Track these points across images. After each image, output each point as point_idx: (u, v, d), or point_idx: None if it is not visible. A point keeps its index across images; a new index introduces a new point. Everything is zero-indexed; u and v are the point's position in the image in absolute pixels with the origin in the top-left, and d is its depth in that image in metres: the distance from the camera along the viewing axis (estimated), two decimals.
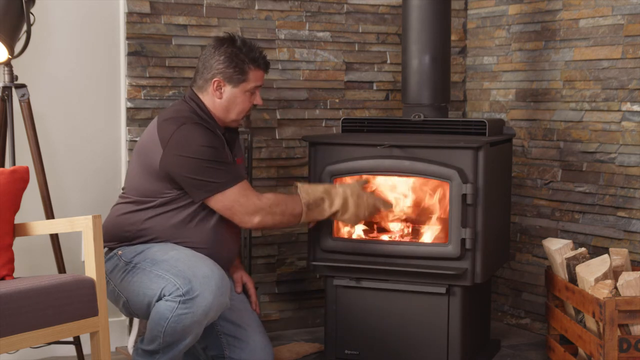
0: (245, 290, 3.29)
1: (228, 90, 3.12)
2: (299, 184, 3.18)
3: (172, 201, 3.04)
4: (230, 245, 3.17)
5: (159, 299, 2.86)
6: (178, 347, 2.88)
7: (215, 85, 3.11)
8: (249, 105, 3.17)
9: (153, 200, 3.04)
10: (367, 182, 3.35)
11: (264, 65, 3.18)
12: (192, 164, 2.96)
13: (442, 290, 3.30)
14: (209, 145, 2.98)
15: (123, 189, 3.19)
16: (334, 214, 3.19)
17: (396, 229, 3.49)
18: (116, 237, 3.08)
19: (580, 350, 3.29)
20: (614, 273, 3.23)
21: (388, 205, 3.31)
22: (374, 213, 3.27)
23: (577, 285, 3.24)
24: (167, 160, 2.98)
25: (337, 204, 3.17)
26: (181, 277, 2.84)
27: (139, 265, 2.96)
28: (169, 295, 2.83)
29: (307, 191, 3.15)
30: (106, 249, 3.07)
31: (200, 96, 3.14)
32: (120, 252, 3.04)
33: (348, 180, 3.37)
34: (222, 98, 3.12)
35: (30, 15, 3.23)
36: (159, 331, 2.85)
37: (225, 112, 3.14)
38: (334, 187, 3.20)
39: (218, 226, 3.08)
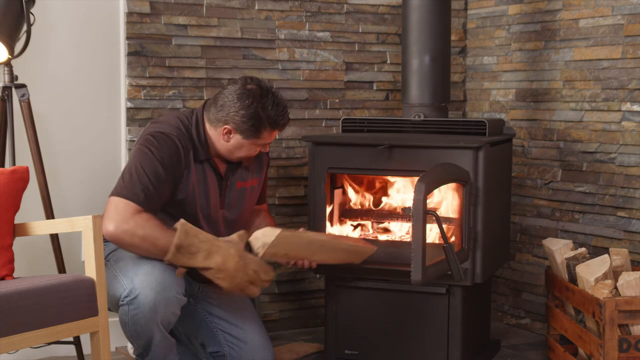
0: None
1: (237, 138, 3.05)
2: (182, 222, 2.85)
3: None
4: None
5: (118, 304, 2.90)
6: (151, 347, 2.91)
7: (225, 130, 3.04)
8: (254, 153, 3.11)
9: None
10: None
11: (283, 126, 3.09)
12: (134, 162, 2.97)
13: (442, 290, 3.31)
14: (160, 160, 2.95)
15: None
16: (206, 269, 2.88)
17: (396, 228, 3.50)
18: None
19: (580, 350, 3.29)
20: (614, 273, 3.23)
21: (270, 274, 2.99)
22: (255, 282, 2.96)
23: (577, 285, 3.24)
24: (130, 156, 3.05)
25: (214, 260, 2.86)
26: (127, 276, 2.88)
27: (108, 264, 3.00)
28: (121, 298, 2.87)
29: (188, 232, 2.84)
30: None
31: (207, 125, 3.07)
32: (105, 247, 3.08)
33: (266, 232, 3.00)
34: (228, 142, 3.06)
35: (30, 15, 3.23)
36: (129, 336, 2.91)
37: (228, 153, 3.09)
38: (217, 242, 2.90)
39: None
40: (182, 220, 2.86)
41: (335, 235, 3.36)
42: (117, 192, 2.92)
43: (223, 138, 3.06)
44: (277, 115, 3.04)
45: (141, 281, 2.84)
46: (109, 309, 3.09)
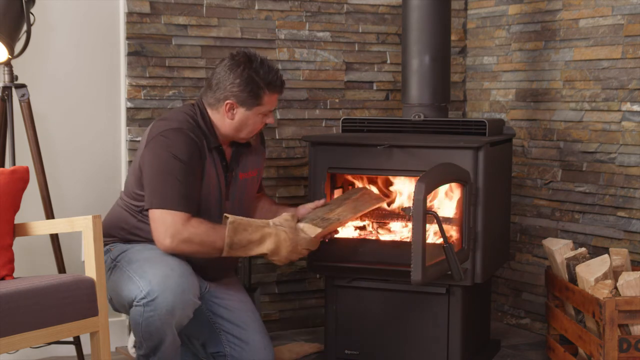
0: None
1: (241, 112, 3.07)
2: (230, 218, 2.96)
3: None
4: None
5: (132, 305, 2.89)
6: (161, 348, 2.90)
7: (227, 107, 3.06)
8: (260, 125, 3.13)
9: (140, 206, 3.04)
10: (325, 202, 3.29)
11: (280, 88, 3.12)
12: (155, 168, 2.95)
13: (442, 290, 3.31)
14: (181, 158, 2.94)
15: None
16: (262, 255, 3.04)
17: (397, 228, 3.50)
18: (111, 235, 3.11)
19: (580, 350, 3.29)
20: (614, 273, 3.23)
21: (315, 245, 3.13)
22: (304, 255, 3.12)
23: (577, 285, 3.24)
24: (143, 158, 3.00)
25: (266, 247, 2.99)
26: (144, 278, 2.87)
27: (118, 265, 2.99)
28: (136, 300, 2.86)
29: (236, 228, 2.95)
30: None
31: (209, 111, 3.10)
32: (112, 248, 3.08)
33: (309, 206, 3.28)
34: (233, 119, 3.08)
35: (30, 15, 3.23)
36: (140, 337, 2.90)
37: (235, 131, 3.10)
38: (268, 228, 3.01)
39: None
40: (230, 218, 2.95)
41: (355, 205, 3.36)
42: (157, 205, 2.92)
43: (227, 116, 3.07)
44: (271, 76, 3.07)
45: (159, 283, 2.83)
46: (117, 310, 3.09)
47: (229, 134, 3.11)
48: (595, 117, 3.73)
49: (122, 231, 3.10)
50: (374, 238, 3.47)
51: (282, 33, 3.96)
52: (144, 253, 2.98)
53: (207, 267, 3.10)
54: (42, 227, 2.98)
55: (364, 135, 3.53)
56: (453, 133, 3.45)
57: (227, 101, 3.05)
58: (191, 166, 2.97)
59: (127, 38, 3.66)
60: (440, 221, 2.99)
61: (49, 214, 3.30)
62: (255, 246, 2.98)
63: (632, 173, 3.58)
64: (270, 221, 3.04)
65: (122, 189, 3.66)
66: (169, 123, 3.02)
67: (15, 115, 3.32)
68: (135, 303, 2.86)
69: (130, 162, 3.67)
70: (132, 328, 2.91)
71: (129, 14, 3.65)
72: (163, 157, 2.94)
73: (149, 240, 3.04)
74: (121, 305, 2.99)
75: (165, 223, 2.90)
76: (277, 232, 3.00)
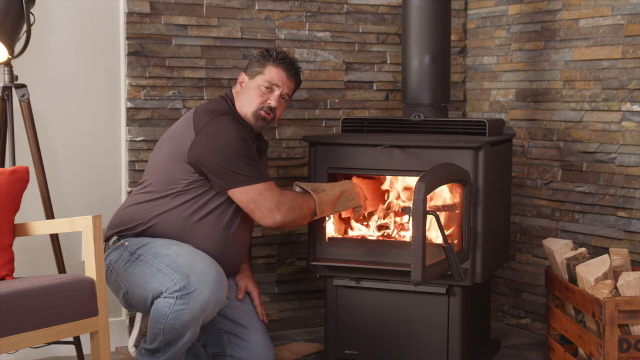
0: (251, 299, 3.30)
1: (246, 81, 3.22)
2: (299, 183, 3.25)
3: (190, 191, 3.06)
4: (238, 249, 3.17)
5: (158, 296, 2.87)
6: (177, 344, 2.88)
7: (240, 78, 3.24)
8: (259, 99, 3.17)
9: (172, 189, 3.06)
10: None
11: (285, 66, 3.21)
12: (224, 152, 3.01)
13: (442, 290, 3.31)
14: (242, 138, 3.05)
15: (140, 183, 3.18)
16: (340, 197, 3.26)
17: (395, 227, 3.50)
18: (125, 226, 3.10)
19: (580, 350, 3.29)
20: (614, 273, 3.23)
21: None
22: (358, 192, 3.38)
23: (577, 285, 3.24)
24: (198, 146, 3.02)
25: (337, 189, 3.27)
26: (179, 272, 2.86)
27: (141, 257, 2.97)
28: (167, 291, 2.85)
29: (312, 187, 3.23)
30: (115, 237, 3.08)
31: (234, 95, 3.24)
32: (127, 242, 3.06)
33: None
34: (240, 89, 3.23)
35: (30, 15, 3.23)
36: (159, 329, 2.86)
37: (240, 105, 3.19)
38: (326, 184, 3.32)
39: (229, 228, 3.09)
40: (297, 183, 3.27)
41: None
42: (247, 181, 3.03)
43: (237, 87, 3.23)
44: (282, 55, 3.22)
45: (198, 279, 2.84)
46: (128, 306, 3.06)
47: (241, 111, 3.19)
48: (595, 117, 3.73)
49: (137, 223, 3.08)
50: (374, 238, 3.47)
51: (282, 33, 3.96)
52: (172, 247, 2.97)
53: (223, 265, 3.08)
54: (42, 227, 2.98)
55: (364, 135, 3.53)
56: (453, 133, 3.45)
57: (240, 73, 3.24)
58: (249, 145, 3.08)
59: (127, 38, 3.66)
60: (440, 221, 2.99)
61: (49, 214, 3.30)
62: (331, 195, 3.24)
63: (632, 173, 3.59)
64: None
65: (127, 188, 3.67)
66: (214, 112, 3.10)
67: (15, 115, 3.32)
68: (165, 295, 2.85)
69: (130, 162, 3.67)
70: (152, 320, 2.88)
71: (129, 14, 3.65)
72: (228, 140, 3.03)
73: (162, 234, 3.05)
74: (140, 298, 2.95)
75: (266, 197, 3.04)
76: (332, 183, 3.31)
